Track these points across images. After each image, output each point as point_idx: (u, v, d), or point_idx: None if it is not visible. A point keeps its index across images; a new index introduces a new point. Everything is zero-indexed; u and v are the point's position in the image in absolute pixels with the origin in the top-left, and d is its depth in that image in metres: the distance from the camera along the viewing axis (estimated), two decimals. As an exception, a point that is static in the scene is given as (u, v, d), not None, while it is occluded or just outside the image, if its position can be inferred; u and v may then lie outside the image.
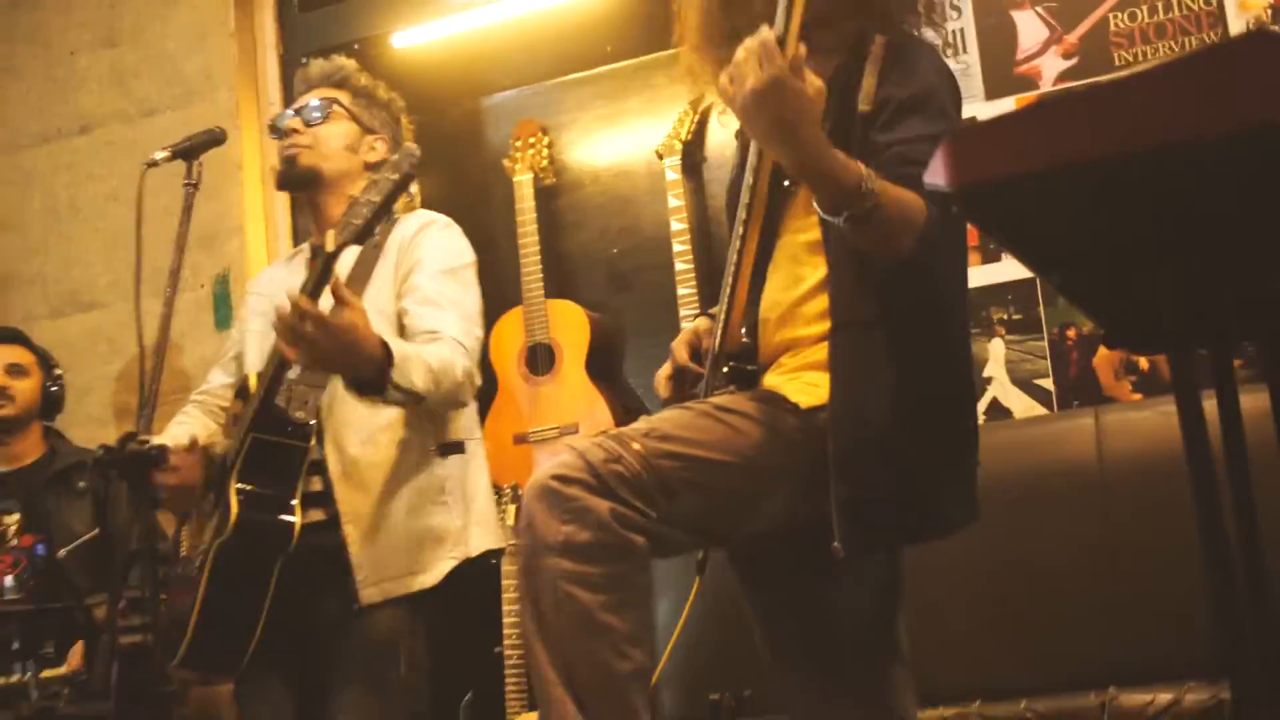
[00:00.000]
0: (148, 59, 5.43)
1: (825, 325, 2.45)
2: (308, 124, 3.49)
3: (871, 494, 2.32)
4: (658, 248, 4.85)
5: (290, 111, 3.55)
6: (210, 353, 4.59)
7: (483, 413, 4.74)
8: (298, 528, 3.11)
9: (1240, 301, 1.47)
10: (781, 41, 2.17)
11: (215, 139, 3.45)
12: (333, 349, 2.92)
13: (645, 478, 2.22)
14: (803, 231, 2.51)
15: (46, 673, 4.06)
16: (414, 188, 5.08)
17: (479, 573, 3.33)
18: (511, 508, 4.55)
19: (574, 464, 2.22)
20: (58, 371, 4.72)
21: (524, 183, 4.97)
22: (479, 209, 5.10)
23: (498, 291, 4.80)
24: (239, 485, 3.11)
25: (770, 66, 2.13)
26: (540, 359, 4.80)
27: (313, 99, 3.54)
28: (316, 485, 3.24)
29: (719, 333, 2.54)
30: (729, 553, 2.70)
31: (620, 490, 2.19)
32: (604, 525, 2.17)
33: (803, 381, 2.43)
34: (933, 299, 2.43)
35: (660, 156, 4.76)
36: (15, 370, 4.64)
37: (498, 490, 4.53)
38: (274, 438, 3.15)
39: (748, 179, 2.47)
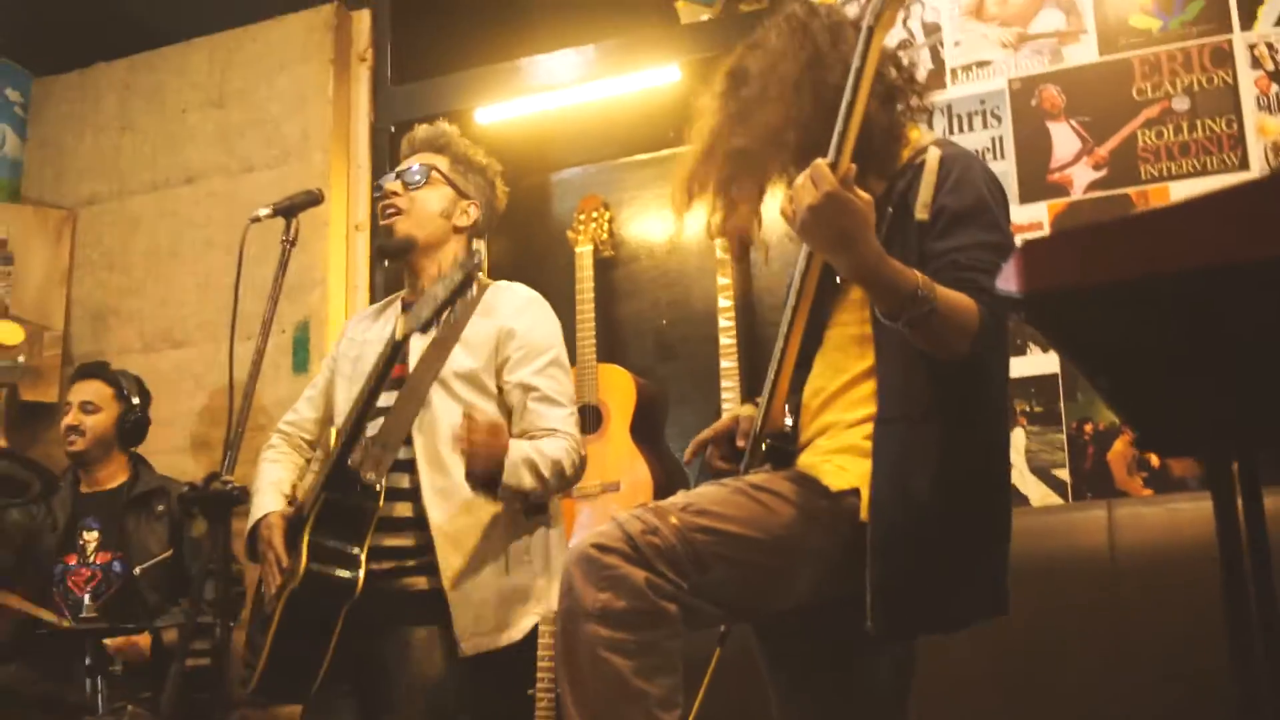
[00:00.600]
0: (251, 120, 5.51)
1: (862, 411, 2.43)
2: (407, 186, 3.47)
3: (909, 580, 2.27)
4: (704, 321, 4.89)
5: (393, 175, 3.54)
6: (286, 394, 4.69)
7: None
8: (360, 582, 3.09)
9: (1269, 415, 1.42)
10: (834, 166, 2.19)
11: (314, 200, 3.47)
12: (487, 457, 3.07)
13: (679, 550, 2.20)
14: (850, 325, 2.50)
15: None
16: (480, 245, 5.05)
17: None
18: None
19: (613, 534, 2.20)
20: (135, 401, 4.68)
21: (585, 253, 5.02)
22: (541, 274, 5.16)
23: None
24: (312, 539, 3.10)
25: (824, 184, 2.15)
26: (589, 419, 4.80)
27: (415, 164, 3.53)
28: (408, 540, 3.26)
29: (762, 412, 2.54)
30: (754, 627, 2.69)
31: (656, 561, 2.17)
32: (639, 594, 2.14)
33: (835, 465, 2.40)
34: (978, 394, 2.40)
35: (712, 237, 4.63)
36: (87, 408, 4.62)
37: None
38: (344, 497, 3.13)
39: (799, 273, 2.46)
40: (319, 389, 3.64)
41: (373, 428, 3.26)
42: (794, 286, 2.46)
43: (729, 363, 4.57)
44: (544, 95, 5.12)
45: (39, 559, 4.44)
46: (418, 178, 3.47)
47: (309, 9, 5.44)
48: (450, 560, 3.19)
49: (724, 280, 4.67)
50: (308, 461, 3.60)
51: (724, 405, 4.55)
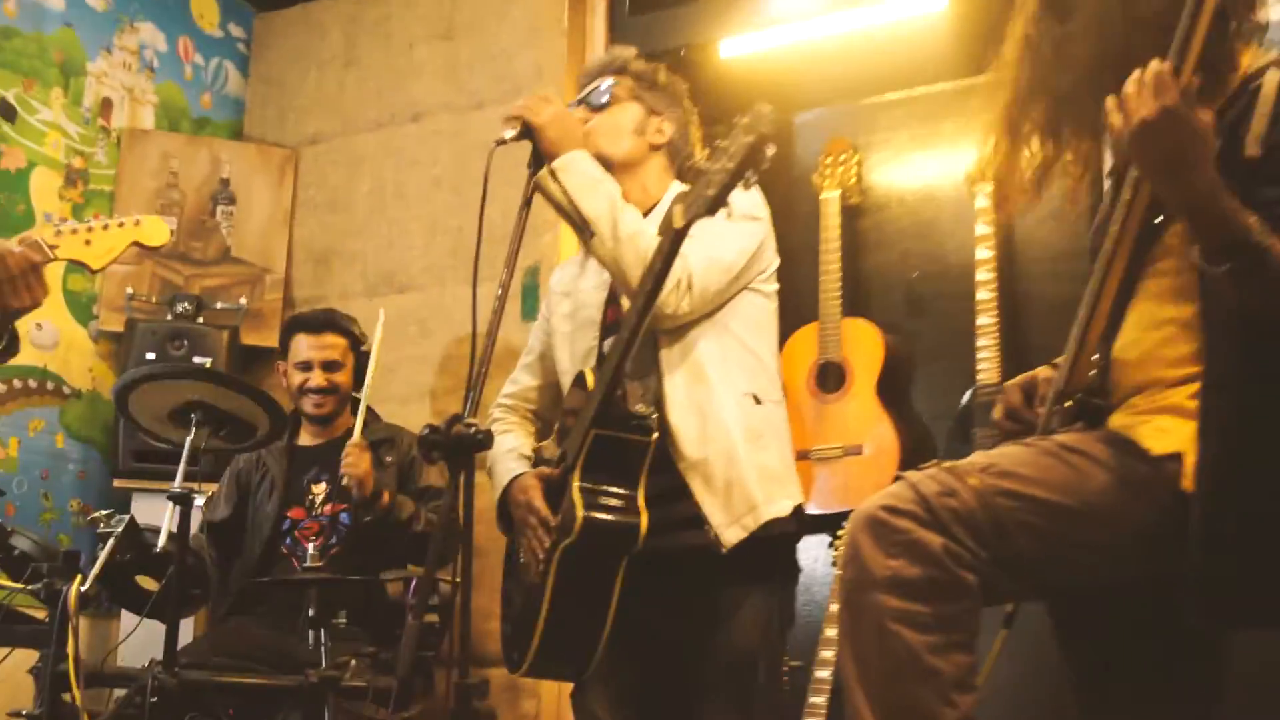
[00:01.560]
0: (481, 53, 5.50)
1: (1185, 370, 2.23)
2: (593, 110, 3.35)
3: (1242, 561, 2.08)
4: (960, 275, 4.69)
5: (575, 103, 3.41)
6: (516, 340, 4.59)
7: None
8: (644, 526, 2.93)
9: None
10: (1176, 71, 2.01)
11: None
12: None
13: (979, 515, 2.06)
14: (1169, 274, 2.29)
15: None
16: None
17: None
18: None
19: (904, 495, 2.07)
20: (365, 348, 4.65)
21: (830, 200, 4.91)
22: (783, 223, 4.82)
23: (795, 306, 4.78)
24: (583, 484, 2.94)
25: (1164, 96, 1.99)
26: (831, 377, 4.72)
27: (596, 85, 3.41)
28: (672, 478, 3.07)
29: (1068, 367, 2.35)
30: (1049, 607, 2.49)
31: (953, 526, 2.03)
32: (935, 561, 2.01)
33: (1155, 426, 2.22)
34: None
35: (970, 183, 4.50)
36: (330, 366, 4.62)
37: None
38: (617, 433, 2.95)
39: (1118, 213, 2.26)
40: (535, 354, 3.55)
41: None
42: (1113, 222, 2.25)
43: (987, 319, 4.40)
44: (793, 26, 4.98)
45: (257, 514, 4.51)
46: (604, 98, 3.36)
47: (544, -66, 5.39)
48: (689, 447, 3.03)
49: (983, 230, 4.50)
50: (536, 431, 3.51)
51: (979, 367, 4.39)
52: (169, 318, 5.39)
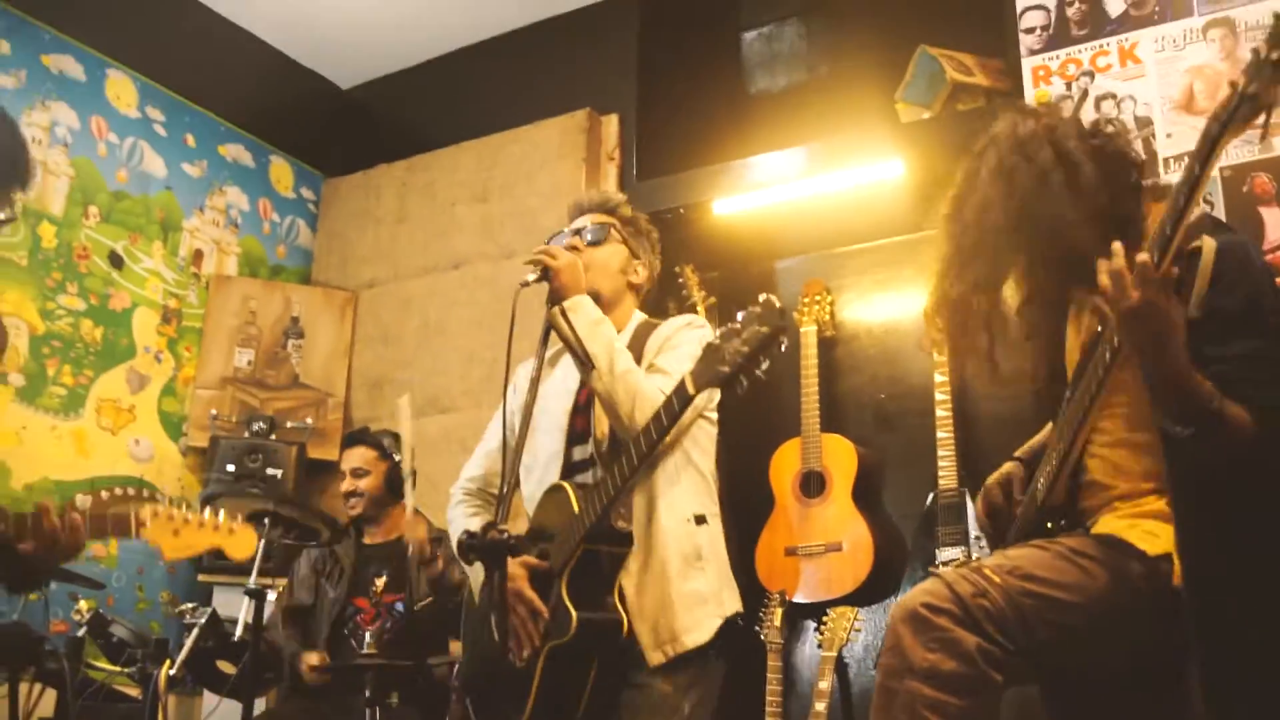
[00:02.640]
0: (512, 212, 5.53)
1: (1152, 483, 2.25)
2: (587, 244, 3.20)
3: (1246, 667, 2.05)
4: (921, 395, 4.68)
5: (568, 231, 3.25)
6: None
7: (758, 526, 4.60)
8: (626, 624, 2.84)
9: None
10: (1157, 265, 2.01)
11: None
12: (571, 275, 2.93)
13: (1008, 612, 2.04)
14: (1124, 405, 2.31)
15: None
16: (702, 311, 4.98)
17: (736, 634, 2.99)
18: (779, 611, 4.39)
19: (942, 594, 2.05)
20: (398, 458, 4.51)
21: (809, 333, 4.88)
22: None
23: (780, 424, 4.84)
24: (570, 589, 2.86)
25: (1148, 289, 1.99)
26: (813, 484, 4.66)
27: (591, 222, 3.26)
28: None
29: (1048, 484, 2.34)
30: (1042, 683, 2.42)
31: (986, 625, 2.02)
32: (969, 659, 1.99)
33: (1142, 530, 2.22)
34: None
35: (927, 318, 4.46)
36: (358, 474, 4.54)
37: (766, 595, 4.44)
38: (602, 546, 2.89)
39: (1095, 369, 2.27)
40: (496, 444, 3.32)
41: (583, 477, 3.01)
42: (1090, 375, 2.27)
43: (944, 432, 4.35)
44: (775, 188, 5.00)
45: (325, 600, 4.42)
46: (599, 235, 3.22)
47: (564, 115, 5.44)
48: (630, 569, 2.91)
49: (939, 357, 4.45)
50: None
51: (940, 473, 4.33)
52: (246, 435, 5.41)
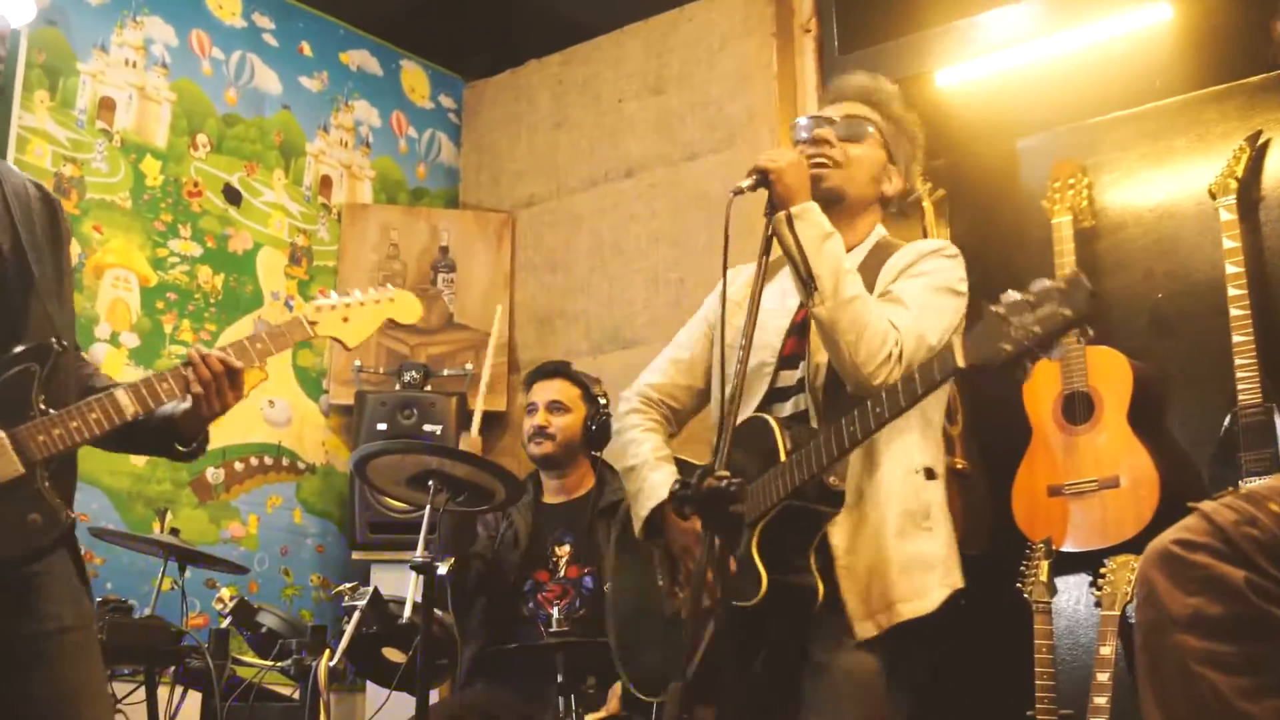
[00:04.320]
0: (691, 104, 5.58)
1: None
2: (841, 138, 3.17)
3: None
4: (1208, 292, 4.56)
5: (824, 120, 3.21)
6: None
7: (1013, 464, 4.56)
8: (821, 591, 2.85)
9: None
10: None
11: None
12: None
13: None
14: None
15: (590, 718, 4.00)
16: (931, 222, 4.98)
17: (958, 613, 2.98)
18: (1044, 564, 4.35)
19: (1199, 527, 1.98)
20: (604, 403, 4.62)
21: (1063, 225, 4.79)
22: (1013, 251, 5.02)
23: None
24: (762, 545, 2.86)
25: None
26: (1079, 407, 4.61)
27: (847, 113, 3.22)
28: None
29: None
30: None
31: (1256, 556, 1.94)
32: (1238, 596, 1.91)
33: None
34: None
35: (1213, 196, 4.39)
36: (555, 408, 4.59)
37: (1029, 546, 4.41)
38: (807, 504, 2.86)
39: None
40: (690, 354, 3.35)
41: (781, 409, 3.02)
42: None
43: (1242, 336, 4.24)
44: (1011, 51, 4.94)
45: (502, 572, 4.48)
46: (855, 131, 3.18)
47: (745, -18, 5.45)
48: (842, 527, 2.92)
49: (1231, 244, 4.34)
50: (670, 437, 3.33)
51: (1240, 387, 4.21)
52: (397, 387, 5.56)
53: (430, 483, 3.84)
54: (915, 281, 2.99)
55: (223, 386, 2.88)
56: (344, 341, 3.15)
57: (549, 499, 4.64)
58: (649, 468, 3.19)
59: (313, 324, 3.07)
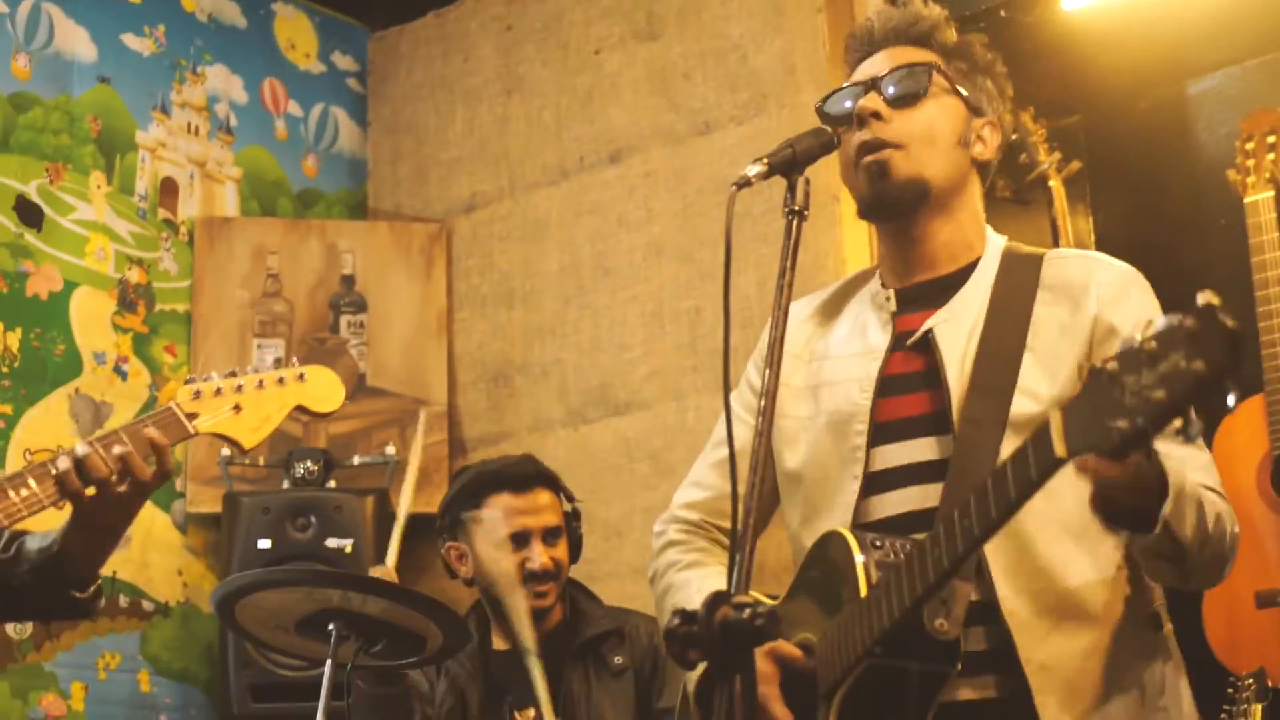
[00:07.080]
0: (701, 53, 5.59)
1: None
2: (893, 103, 3.08)
3: None
4: None
5: (862, 87, 3.12)
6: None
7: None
8: None
9: None
10: None
11: (827, 143, 2.98)
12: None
13: None
14: None
15: None
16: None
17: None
18: (1257, 708, 4.41)
19: None
20: (577, 506, 4.67)
21: (1261, 203, 4.79)
22: (1184, 240, 5.15)
23: None
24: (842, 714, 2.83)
25: None
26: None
27: (893, 65, 3.13)
28: (988, 690, 2.93)
29: None
30: None
31: None
32: None
33: None
34: None
35: None
36: (551, 536, 4.54)
37: (1233, 681, 4.49)
38: (904, 662, 2.80)
39: None
40: (742, 442, 3.10)
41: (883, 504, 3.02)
42: None
43: None
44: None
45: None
46: (913, 86, 3.10)
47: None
48: (1052, 710, 2.85)
49: None
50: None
51: None
52: (286, 485, 5.50)
53: (331, 627, 3.87)
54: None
55: (132, 463, 2.95)
56: (239, 442, 3.19)
57: (500, 645, 4.56)
58: (694, 593, 3.14)
59: (191, 417, 3.10)
